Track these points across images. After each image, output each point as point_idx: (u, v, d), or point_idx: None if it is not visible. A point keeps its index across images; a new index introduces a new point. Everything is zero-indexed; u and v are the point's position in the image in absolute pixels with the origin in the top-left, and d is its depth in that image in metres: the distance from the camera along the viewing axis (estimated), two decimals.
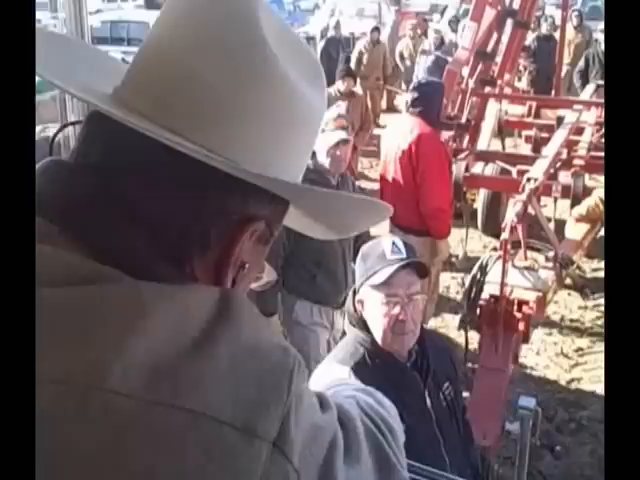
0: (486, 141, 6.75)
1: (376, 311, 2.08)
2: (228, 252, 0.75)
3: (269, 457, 0.64)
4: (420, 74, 8.82)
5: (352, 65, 9.30)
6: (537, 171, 4.54)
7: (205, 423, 0.61)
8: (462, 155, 5.74)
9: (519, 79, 9.60)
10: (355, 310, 2.16)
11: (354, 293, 2.17)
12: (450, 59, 6.66)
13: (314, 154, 3.36)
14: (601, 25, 10.17)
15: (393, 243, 2.09)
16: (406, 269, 2.07)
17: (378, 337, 2.09)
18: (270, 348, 0.70)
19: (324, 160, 3.48)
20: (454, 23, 11.94)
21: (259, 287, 3.21)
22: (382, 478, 0.84)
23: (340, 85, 6.75)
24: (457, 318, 3.97)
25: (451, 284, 5.93)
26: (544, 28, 10.81)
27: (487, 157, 6.16)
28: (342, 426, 0.77)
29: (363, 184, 7.36)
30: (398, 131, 4.49)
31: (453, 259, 6.28)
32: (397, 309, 2.05)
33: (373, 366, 2.09)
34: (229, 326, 0.68)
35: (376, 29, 11.00)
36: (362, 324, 2.14)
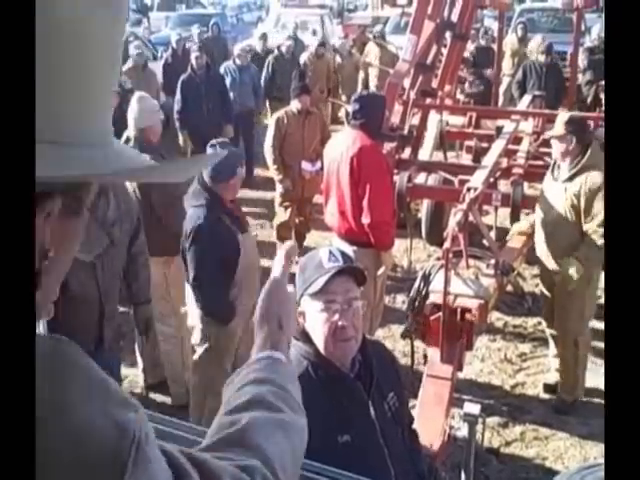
0: (428, 152, 6.85)
1: (316, 320, 2.08)
2: None
3: None
4: None
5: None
6: (477, 181, 4.61)
7: None
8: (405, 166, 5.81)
9: (461, 90, 9.76)
10: (297, 323, 2.16)
11: None
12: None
13: None
14: (538, 38, 10.43)
15: (330, 252, 2.10)
16: (343, 275, 2.07)
17: (320, 346, 2.09)
18: (102, 429, 0.59)
19: None
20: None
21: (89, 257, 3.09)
22: None
23: (296, 104, 6.38)
24: (403, 328, 4.00)
25: (397, 294, 5.98)
26: (483, 40, 11.05)
27: (429, 167, 6.25)
28: None
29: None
30: (340, 143, 4.51)
31: (398, 269, 6.34)
32: (337, 315, 2.05)
33: (317, 378, 2.09)
34: (50, 402, 0.57)
35: (322, 44, 11.10)
36: (304, 336, 2.13)
